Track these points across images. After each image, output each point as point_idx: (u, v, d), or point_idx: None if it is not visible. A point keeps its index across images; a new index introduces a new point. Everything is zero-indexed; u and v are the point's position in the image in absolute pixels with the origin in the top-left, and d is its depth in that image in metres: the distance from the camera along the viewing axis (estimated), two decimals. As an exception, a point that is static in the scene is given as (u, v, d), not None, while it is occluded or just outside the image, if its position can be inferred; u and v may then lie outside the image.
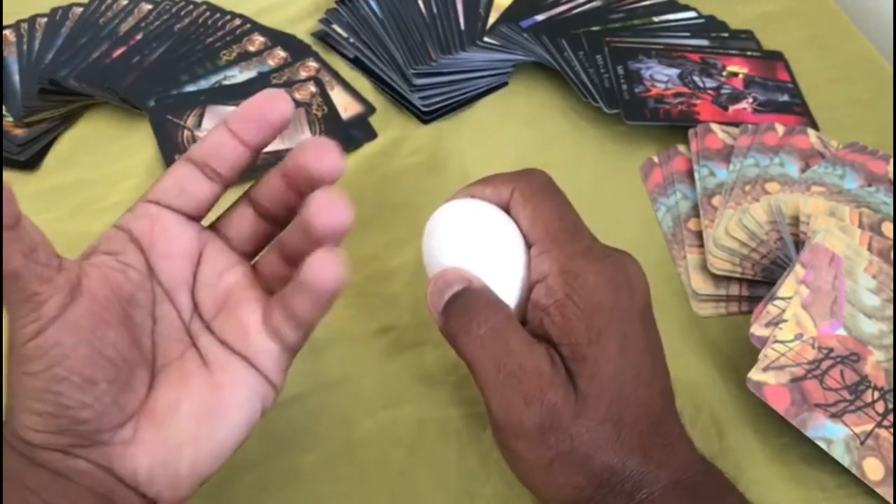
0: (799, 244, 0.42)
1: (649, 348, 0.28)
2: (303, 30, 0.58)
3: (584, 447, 0.26)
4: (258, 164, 0.48)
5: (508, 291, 0.29)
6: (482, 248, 0.30)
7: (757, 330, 0.38)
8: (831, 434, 0.35)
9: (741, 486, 0.36)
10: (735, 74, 0.55)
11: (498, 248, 0.30)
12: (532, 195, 0.30)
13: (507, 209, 0.31)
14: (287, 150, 0.48)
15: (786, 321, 0.38)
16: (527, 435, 0.27)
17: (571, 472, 0.27)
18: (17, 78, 0.52)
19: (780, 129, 0.50)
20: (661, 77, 0.54)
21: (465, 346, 0.28)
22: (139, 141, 0.49)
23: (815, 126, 0.53)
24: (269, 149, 0.48)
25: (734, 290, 0.43)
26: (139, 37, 0.55)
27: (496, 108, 0.54)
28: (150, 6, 0.57)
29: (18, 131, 0.49)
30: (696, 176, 0.48)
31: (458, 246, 0.30)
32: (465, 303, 0.28)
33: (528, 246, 0.30)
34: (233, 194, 0.47)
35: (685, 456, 0.28)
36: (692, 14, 0.61)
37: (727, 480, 0.29)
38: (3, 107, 0.50)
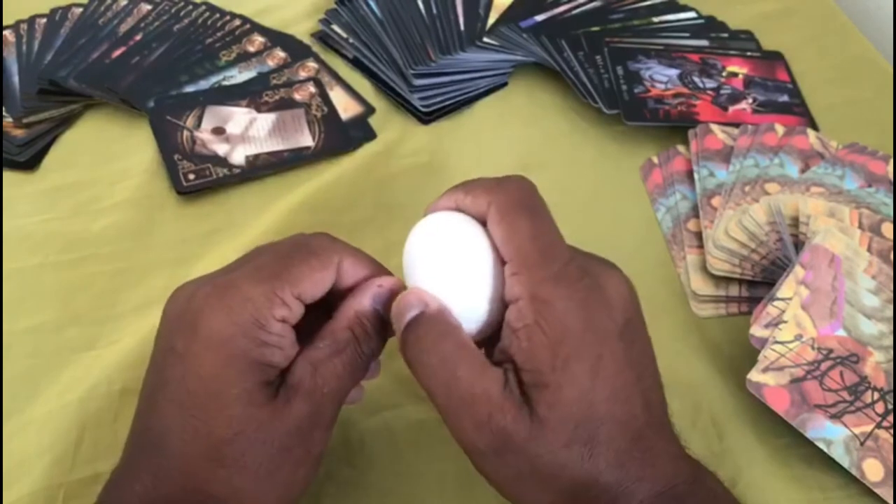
0: (798, 245, 0.42)
1: (630, 365, 0.28)
2: (302, 30, 0.58)
3: (547, 468, 0.26)
4: (258, 164, 0.48)
5: (476, 310, 0.29)
6: (450, 267, 0.30)
7: (756, 331, 0.38)
8: (831, 435, 0.36)
9: (741, 486, 0.36)
10: (735, 75, 0.55)
11: (467, 268, 0.29)
12: (508, 210, 0.29)
13: (484, 221, 0.30)
14: (286, 151, 0.49)
15: (785, 322, 0.38)
16: (484, 455, 0.27)
17: (538, 490, 0.27)
18: (16, 78, 0.52)
19: (780, 129, 0.50)
20: (660, 77, 0.54)
21: (417, 375, 0.29)
22: (139, 141, 0.49)
23: (814, 126, 0.53)
24: (269, 149, 0.49)
25: (734, 290, 0.43)
26: (138, 37, 0.55)
27: (496, 108, 0.54)
28: (149, 6, 0.57)
29: (18, 132, 0.49)
30: (696, 176, 0.48)
31: (428, 265, 0.30)
32: (418, 332, 0.29)
33: (504, 262, 0.29)
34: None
35: (668, 468, 0.27)
36: (692, 14, 0.61)
37: (719, 488, 0.29)
38: (3, 107, 0.50)
